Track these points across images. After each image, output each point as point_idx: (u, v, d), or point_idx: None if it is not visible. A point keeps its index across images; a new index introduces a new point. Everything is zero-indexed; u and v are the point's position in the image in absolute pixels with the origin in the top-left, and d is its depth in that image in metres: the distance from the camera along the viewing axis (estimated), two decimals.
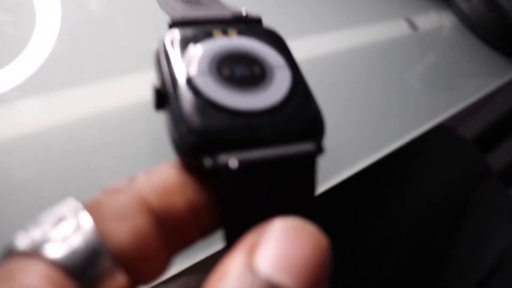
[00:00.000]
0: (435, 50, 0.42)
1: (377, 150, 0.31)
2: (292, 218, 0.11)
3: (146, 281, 0.12)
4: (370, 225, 0.39)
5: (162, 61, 0.14)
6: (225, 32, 0.15)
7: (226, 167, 0.12)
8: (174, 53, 0.14)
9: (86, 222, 0.11)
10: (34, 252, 0.10)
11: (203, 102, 0.13)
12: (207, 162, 0.12)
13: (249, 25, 0.16)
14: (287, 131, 0.13)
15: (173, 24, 0.15)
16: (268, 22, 0.17)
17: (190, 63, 0.14)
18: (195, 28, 0.15)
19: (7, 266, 0.10)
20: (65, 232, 0.11)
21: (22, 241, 0.11)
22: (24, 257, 0.10)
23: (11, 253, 0.11)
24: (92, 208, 0.12)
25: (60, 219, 0.11)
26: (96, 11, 0.29)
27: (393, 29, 0.41)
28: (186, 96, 0.13)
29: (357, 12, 0.40)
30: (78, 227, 0.11)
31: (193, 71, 0.13)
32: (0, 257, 0.11)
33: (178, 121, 0.13)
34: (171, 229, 0.12)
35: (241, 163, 0.12)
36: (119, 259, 0.11)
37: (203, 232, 0.13)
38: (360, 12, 0.40)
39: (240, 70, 0.14)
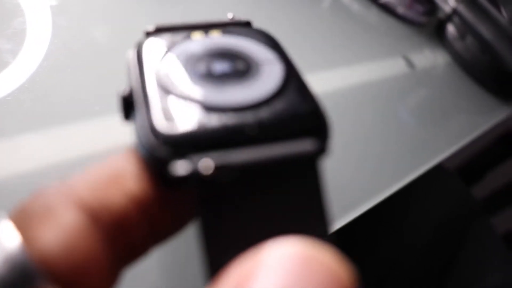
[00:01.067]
0: (430, 88, 0.43)
1: (376, 193, 0.31)
2: (295, 241, 0.08)
3: None
4: (367, 262, 0.39)
5: (132, 66, 0.12)
6: (206, 33, 0.13)
7: (197, 172, 0.09)
8: (145, 57, 0.12)
9: (4, 233, 0.09)
10: None
11: (172, 100, 0.10)
12: (174, 168, 0.09)
13: (236, 27, 0.14)
14: (277, 126, 0.10)
15: (151, 32, 0.13)
16: None
17: (162, 64, 0.12)
18: (173, 34, 0.13)
19: None
20: None
21: None
22: None
23: None
24: (17, 216, 0.09)
25: None
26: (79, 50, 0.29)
27: (390, 67, 0.41)
28: (152, 96, 0.11)
29: (355, 49, 0.41)
30: (6, 253, 0.09)
31: (163, 70, 0.11)
32: None
33: (142, 125, 0.10)
34: (112, 230, 0.10)
35: (218, 166, 0.09)
36: (50, 270, 0.09)
37: (158, 235, 0.10)
38: (359, 49, 0.41)
39: (219, 66, 0.11)
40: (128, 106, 0.11)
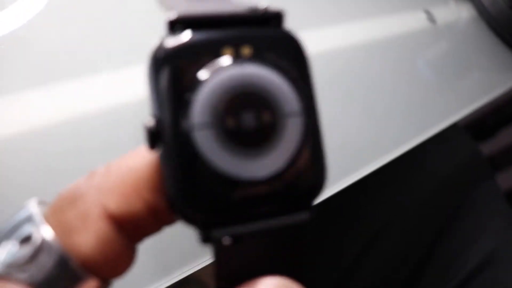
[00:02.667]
0: (451, 43, 0.41)
1: (390, 150, 0.30)
2: (280, 278, 0.12)
3: (116, 276, 0.13)
4: (360, 216, 0.39)
5: (156, 86, 0.12)
6: (237, 51, 0.12)
7: (219, 242, 0.12)
8: (171, 79, 0.12)
9: (50, 238, 0.12)
10: (7, 275, 0.12)
11: (201, 167, 0.11)
12: (199, 234, 0.12)
13: (269, 29, 0.13)
14: (285, 203, 0.12)
15: (173, 23, 0.12)
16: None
17: (191, 102, 0.11)
18: (200, 37, 0.12)
19: None
20: (35, 250, 0.12)
21: None
22: (1, 280, 0.12)
23: None
24: (55, 221, 0.12)
25: (26, 238, 0.12)
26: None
27: (410, 21, 0.39)
28: (182, 154, 0.11)
29: (375, 1, 0.39)
30: (44, 245, 0.12)
31: (193, 119, 0.11)
32: None
33: (171, 179, 0.12)
34: (131, 229, 0.13)
35: (234, 238, 0.12)
36: (87, 267, 0.12)
37: (164, 225, 0.13)
38: (378, 1, 0.39)
39: (247, 120, 0.12)
40: (154, 139, 0.12)
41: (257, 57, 0.12)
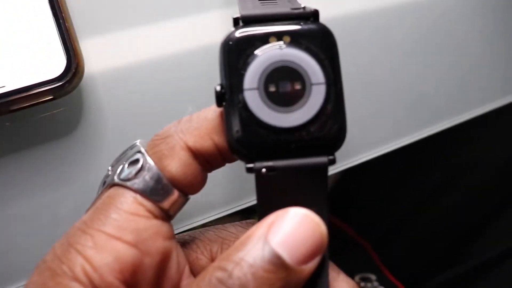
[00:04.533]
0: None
1: (472, 108, 0.30)
2: (306, 209, 0.16)
3: (193, 193, 0.18)
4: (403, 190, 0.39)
5: (224, 62, 0.17)
6: (279, 39, 0.17)
7: (259, 171, 0.17)
8: (233, 57, 0.17)
9: (151, 162, 0.17)
10: (124, 184, 0.17)
11: (249, 118, 0.17)
12: (245, 165, 0.17)
13: (306, 23, 0.18)
14: (309, 148, 0.17)
15: (236, 20, 0.18)
16: None
17: (245, 74, 0.17)
18: (255, 30, 0.17)
19: (109, 193, 0.17)
20: (139, 170, 0.17)
21: (114, 176, 0.18)
22: (119, 187, 0.17)
23: (109, 184, 0.18)
24: (153, 151, 0.18)
25: (135, 161, 0.18)
26: None
27: None
28: (236, 109, 0.17)
29: None
30: (146, 166, 0.17)
31: (246, 84, 0.17)
32: (101, 187, 0.18)
33: (229, 127, 0.17)
34: (204, 159, 0.18)
35: (269, 170, 0.17)
36: (173, 183, 0.17)
37: (227, 161, 0.18)
38: None
39: (283, 87, 0.17)
40: (221, 99, 0.17)
41: (294, 43, 0.17)
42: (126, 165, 0.18)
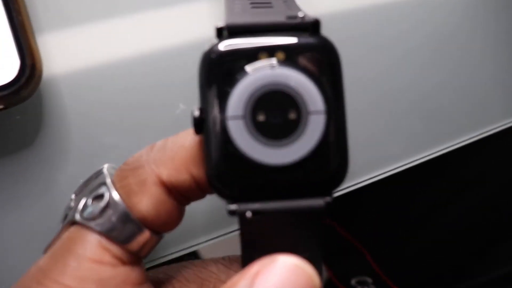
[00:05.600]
0: None
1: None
2: (296, 257, 0.14)
3: (168, 231, 0.16)
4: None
5: (203, 82, 0.15)
6: (271, 55, 0.14)
7: (243, 215, 0.14)
8: (214, 76, 0.14)
9: (117, 198, 0.15)
10: (86, 224, 0.15)
11: (232, 152, 0.14)
12: (226, 207, 0.14)
13: (304, 36, 0.15)
14: (303, 188, 0.15)
15: (220, 30, 0.15)
16: None
17: (228, 98, 0.14)
18: (242, 43, 0.14)
19: (70, 234, 0.15)
20: (105, 207, 0.15)
21: (76, 213, 0.15)
22: (81, 227, 0.15)
23: (70, 221, 0.16)
24: (122, 184, 0.15)
25: (100, 196, 0.15)
26: None
27: None
28: (217, 140, 0.14)
29: None
30: (112, 203, 0.15)
31: (228, 112, 0.14)
32: (62, 221, 0.16)
33: (209, 160, 0.14)
34: (179, 194, 0.16)
35: (254, 213, 0.14)
36: (144, 223, 0.15)
37: (206, 194, 0.16)
38: None
39: (275, 117, 0.14)
40: (200, 125, 0.15)
41: (289, 62, 0.14)
42: (90, 200, 0.16)
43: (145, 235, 0.15)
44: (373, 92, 0.24)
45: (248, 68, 0.14)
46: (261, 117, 0.14)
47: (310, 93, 0.14)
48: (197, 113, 0.14)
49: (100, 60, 0.20)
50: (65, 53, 0.20)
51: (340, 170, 0.15)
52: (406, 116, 0.25)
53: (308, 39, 0.15)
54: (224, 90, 0.14)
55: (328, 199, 0.15)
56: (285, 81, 0.14)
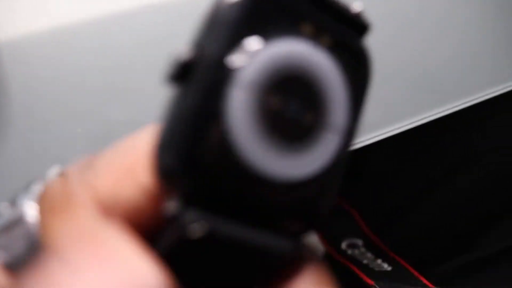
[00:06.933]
0: None
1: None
2: None
3: None
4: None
5: (211, 28, 0.10)
6: (316, 33, 0.11)
7: (185, 227, 0.09)
8: (241, 17, 0.10)
9: (31, 217, 0.11)
10: None
11: (221, 131, 0.09)
12: (168, 205, 0.09)
13: (354, 35, 0.12)
14: (277, 220, 0.11)
15: None
16: None
17: (240, 58, 0.10)
18: (282, 4, 0.10)
19: None
20: (14, 238, 0.11)
21: None
22: None
23: None
24: (43, 205, 0.11)
25: (10, 226, 0.11)
26: None
27: None
28: (205, 108, 0.09)
29: None
30: (26, 233, 0.11)
31: (245, 76, 0.09)
32: None
33: (176, 128, 0.09)
34: (125, 218, 0.11)
35: (206, 233, 0.09)
36: None
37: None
38: None
39: (291, 110, 0.10)
40: (184, 72, 0.10)
41: (333, 51, 0.11)
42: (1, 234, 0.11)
43: None
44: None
45: (285, 31, 0.10)
46: (275, 102, 0.10)
47: (338, 99, 0.11)
48: (187, 54, 0.10)
49: (45, 26, 0.18)
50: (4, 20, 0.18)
51: (325, 213, 0.11)
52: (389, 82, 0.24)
53: (356, 42, 0.11)
54: (250, 34, 0.10)
55: (297, 244, 0.11)
56: (319, 72, 0.10)
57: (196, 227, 0.09)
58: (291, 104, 0.10)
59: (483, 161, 0.36)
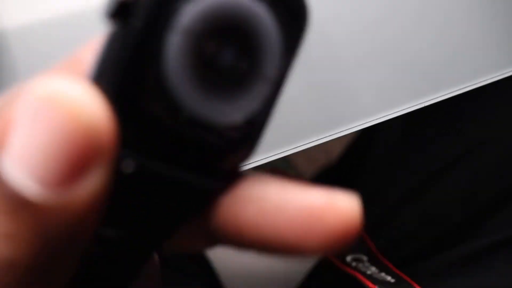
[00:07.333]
0: None
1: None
2: (53, 80, 0.08)
3: None
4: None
5: None
6: None
7: (120, 167, 0.10)
8: None
9: None
10: None
11: (156, 72, 0.10)
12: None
13: None
14: (204, 159, 0.11)
15: None
16: None
17: (179, 3, 0.10)
18: None
19: None
20: None
21: None
22: None
23: None
24: None
25: None
26: None
27: None
28: (142, 49, 0.10)
29: None
30: None
31: (184, 18, 0.10)
32: None
33: (112, 65, 0.10)
34: None
35: (137, 169, 0.10)
36: None
37: None
38: None
39: (227, 58, 0.10)
40: (123, 12, 0.09)
41: (272, 2, 0.11)
42: None
43: None
44: (357, 45, 0.23)
45: None
46: (210, 48, 0.10)
47: (273, 48, 0.11)
48: None
49: (51, 13, 0.18)
50: (15, 7, 0.18)
51: (247, 158, 0.12)
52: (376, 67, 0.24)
53: None
54: None
55: (219, 183, 0.11)
56: (256, 20, 0.10)
57: (127, 163, 0.10)
58: (227, 52, 0.10)
59: (481, 151, 0.36)
